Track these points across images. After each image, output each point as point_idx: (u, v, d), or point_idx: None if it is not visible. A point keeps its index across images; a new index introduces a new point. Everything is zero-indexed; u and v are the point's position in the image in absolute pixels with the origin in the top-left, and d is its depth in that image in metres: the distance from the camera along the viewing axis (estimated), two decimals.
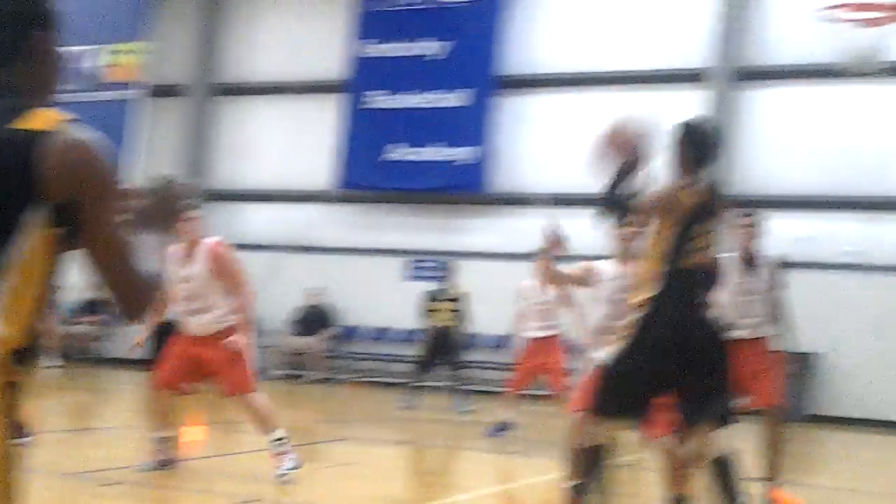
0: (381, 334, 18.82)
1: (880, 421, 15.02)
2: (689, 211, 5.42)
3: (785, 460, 7.72)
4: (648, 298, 5.39)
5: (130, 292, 2.49)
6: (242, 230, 20.21)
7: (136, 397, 15.96)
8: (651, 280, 5.43)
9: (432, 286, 14.48)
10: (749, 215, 7.96)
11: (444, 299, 14.22)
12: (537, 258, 6.80)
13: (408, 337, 18.59)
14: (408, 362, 18.26)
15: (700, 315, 5.48)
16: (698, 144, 5.68)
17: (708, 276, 5.60)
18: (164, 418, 8.08)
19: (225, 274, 7.93)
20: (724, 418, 5.60)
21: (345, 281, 18.95)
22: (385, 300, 18.66)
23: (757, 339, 7.66)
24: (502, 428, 11.59)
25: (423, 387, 14.65)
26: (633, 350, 5.45)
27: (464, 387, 14.31)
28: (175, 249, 7.93)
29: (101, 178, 2.40)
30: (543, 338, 11.33)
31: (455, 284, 14.65)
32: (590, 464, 5.58)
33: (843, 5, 11.10)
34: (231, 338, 7.84)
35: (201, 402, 10.56)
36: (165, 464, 8.01)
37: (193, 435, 10.94)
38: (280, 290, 19.23)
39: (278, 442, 7.76)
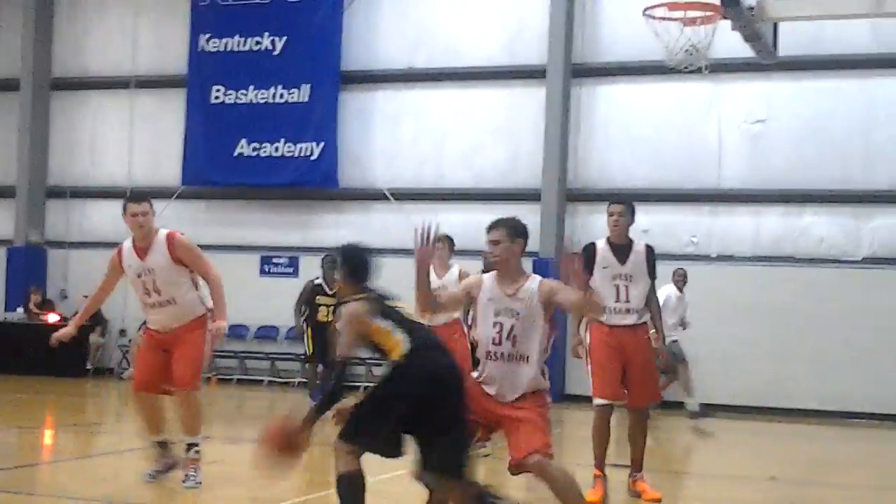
0: (237, 331, 19.01)
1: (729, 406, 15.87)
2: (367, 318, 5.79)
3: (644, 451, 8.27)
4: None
5: None
6: (86, 227, 20.19)
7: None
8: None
9: (315, 281, 13.90)
10: (616, 203, 8.42)
11: (327, 294, 13.75)
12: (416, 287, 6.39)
13: (265, 334, 18.88)
14: (263, 359, 18.63)
15: (450, 372, 5.72)
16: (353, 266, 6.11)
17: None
18: (154, 422, 7.98)
19: (192, 262, 7.86)
20: (459, 470, 5.63)
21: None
22: (239, 297, 18.78)
23: (633, 325, 8.18)
24: None
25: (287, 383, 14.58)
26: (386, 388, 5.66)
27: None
28: (127, 245, 7.98)
29: None
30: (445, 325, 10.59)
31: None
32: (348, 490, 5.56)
33: (667, 4, 11.78)
34: (214, 325, 7.78)
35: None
36: (170, 468, 7.93)
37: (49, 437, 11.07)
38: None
39: (196, 449, 7.81)
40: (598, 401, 8.17)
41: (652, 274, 8.30)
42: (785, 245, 16.44)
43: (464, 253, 17.01)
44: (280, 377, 18.58)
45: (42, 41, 20.35)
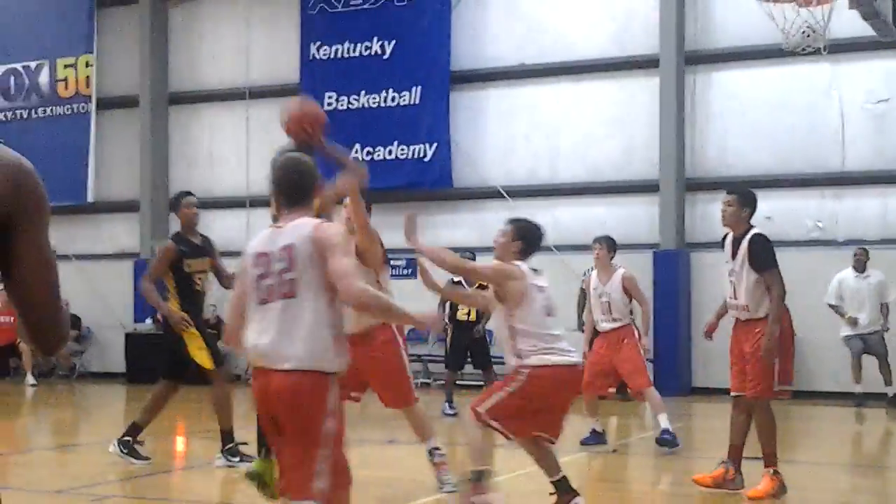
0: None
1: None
2: None
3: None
4: None
5: (53, 323, 2.40)
6: (210, 237, 20.49)
7: (115, 411, 16.34)
8: None
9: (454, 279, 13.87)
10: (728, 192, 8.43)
11: None
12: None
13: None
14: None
15: None
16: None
17: None
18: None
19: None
20: None
21: None
22: None
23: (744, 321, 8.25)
24: (596, 436, 10.69)
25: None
26: None
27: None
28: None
29: (37, 197, 2.35)
30: (612, 331, 10.70)
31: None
32: None
33: None
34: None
35: None
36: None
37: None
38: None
39: (439, 452, 8.08)
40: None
41: (757, 266, 8.03)
42: None
43: (582, 248, 16.99)
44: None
45: (158, 57, 20.79)
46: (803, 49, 11.80)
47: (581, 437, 10.66)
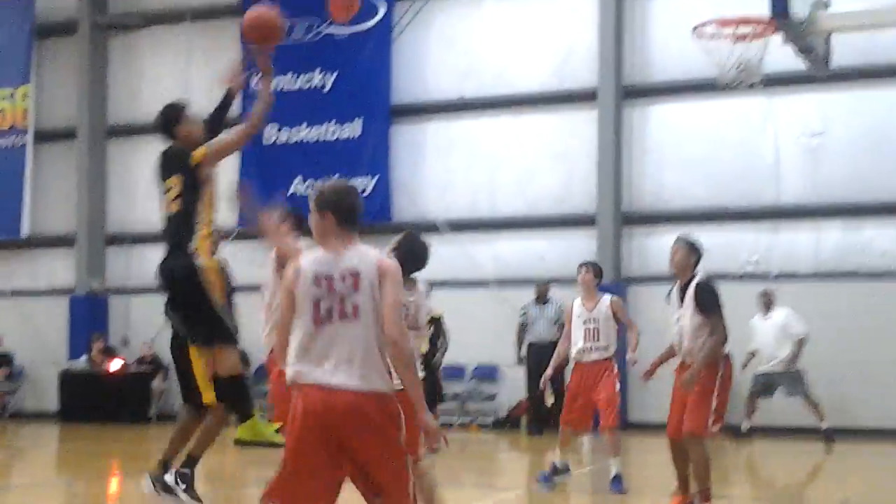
0: None
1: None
2: None
3: None
4: None
5: None
6: (146, 273, 20.26)
7: (48, 451, 16.07)
8: None
9: None
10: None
11: None
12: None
13: None
14: None
15: None
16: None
17: None
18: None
19: None
20: None
21: (258, 318, 19.07)
22: None
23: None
24: (555, 471, 10.48)
25: None
26: None
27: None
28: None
29: None
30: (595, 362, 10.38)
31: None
32: None
33: (717, 22, 11.68)
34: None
35: None
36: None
37: None
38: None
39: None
40: None
41: (702, 309, 8.27)
42: (847, 260, 16.13)
43: (521, 283, 17.03)
44: None
45: (97, 89, 20.61)
46: (738, 84, 11.95)
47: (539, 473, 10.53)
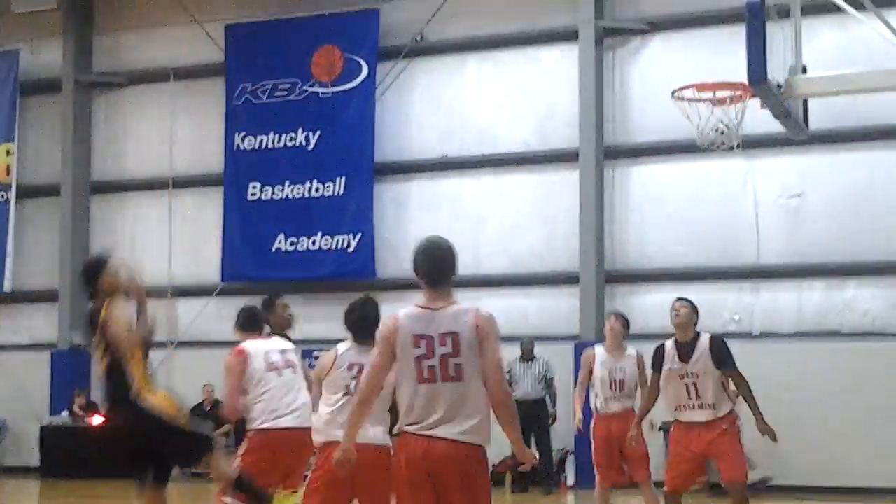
0: None
1: None
2: None
3: None
4: None
5: None
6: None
7: None
8: None
9: None
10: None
11: None
12: None
13: None
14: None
15: None
16: None
17: None
18: None
19: None
20: None
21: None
22: None
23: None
24: None
25: None
26: None
27: None
28: None
29: None
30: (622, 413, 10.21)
31: None
32: None
33: (695, 86, 11.85)
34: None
35: None
36: None
37: None
38: (175, 388, 19.35)
39: None
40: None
41: (723, 365, 8.78)
42: (829, 320, 16.23)
43: (505, 340, 17.06)
44: None
45: (81, 146, 20.68)
46: (718, 146, 12.10)
47: None
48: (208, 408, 18.95)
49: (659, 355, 8.97)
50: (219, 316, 19.65)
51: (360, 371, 6.76)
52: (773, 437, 8.67)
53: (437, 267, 5.73)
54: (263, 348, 8.45)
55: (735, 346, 8.88)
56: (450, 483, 5.45)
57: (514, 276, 17.83)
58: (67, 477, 17.82)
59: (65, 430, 18.95)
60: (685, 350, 8.79)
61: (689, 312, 8.93)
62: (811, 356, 15.99)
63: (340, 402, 6.95)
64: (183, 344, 19.70)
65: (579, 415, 10.49)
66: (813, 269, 16.30)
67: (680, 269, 16.78)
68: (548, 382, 16.27)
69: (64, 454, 18.48)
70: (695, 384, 8.68)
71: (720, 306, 16.57)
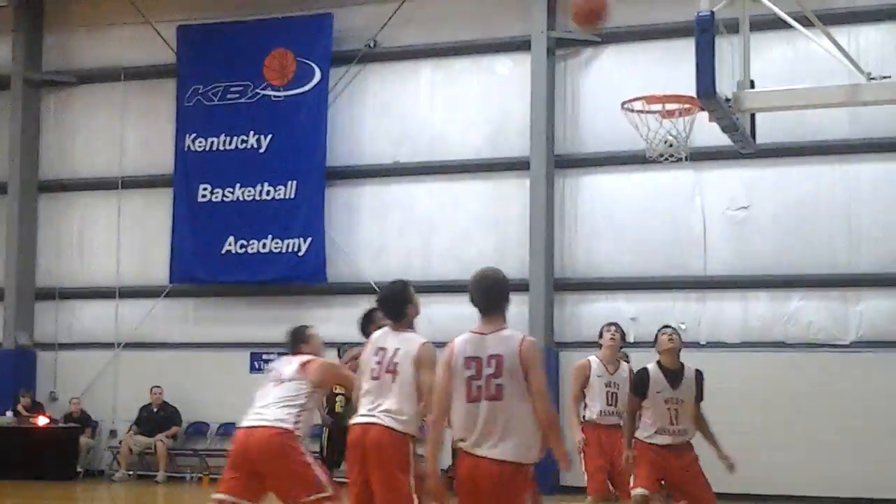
0: (228, 429, 18.91)
1: None
2: None
3: None
4: None
5: None
6: (75, 329, 20.19)
7: None
8: None
9: None
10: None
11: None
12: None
13: None
14: None
15: None
16: None
17: None
18: None
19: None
20: None
21: (188, 377, 19.06)
22: (231, 394, 18.78)
23: None
24: None
25: None
26: None
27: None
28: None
29: None
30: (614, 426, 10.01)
31: None
32: None
33: (645, 98, 12.01)
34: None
35: None
36: None
37: None
38: (122, 390, 19.37)
39: None
40: None
41: (701, 398, 9.33)
42: (774, 330, 16.46)
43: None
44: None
45: (29, 144, 20.49)
46: (666, 158, 12.25)
47: None
48: (155, 409, 18.88)
49: (643, 380, 9.17)
50: (167, 317, 19.61)
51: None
52: (732, 469, 8.95)
53: (487, 296, 6.31)
54: None
55: (682, 355, 9.09)
56: (492, 500, 5.92)
57: (465, 282, 17.74)
58: (11, 477, 17.65)
59: (9, 430, 18.77)
60: (674, 376, 9.15)
61: (679, 341, 9.32)
62: (756, 366, 16.21)
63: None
64: (130, 345, 19.59)
65: (580, 434, 10.13)
66: (758, 281, 16.52)
67: (628, 278, 16.95)
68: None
69: (8, 454, 18.31)
70: (677, 410, 9.05)
71: (667, 315, 16.71)
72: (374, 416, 7.08)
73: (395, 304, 7.44)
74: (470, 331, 6.23)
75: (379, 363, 7.18)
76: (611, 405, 10.13)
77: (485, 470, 5.92)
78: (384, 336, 7.34)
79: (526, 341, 6.11)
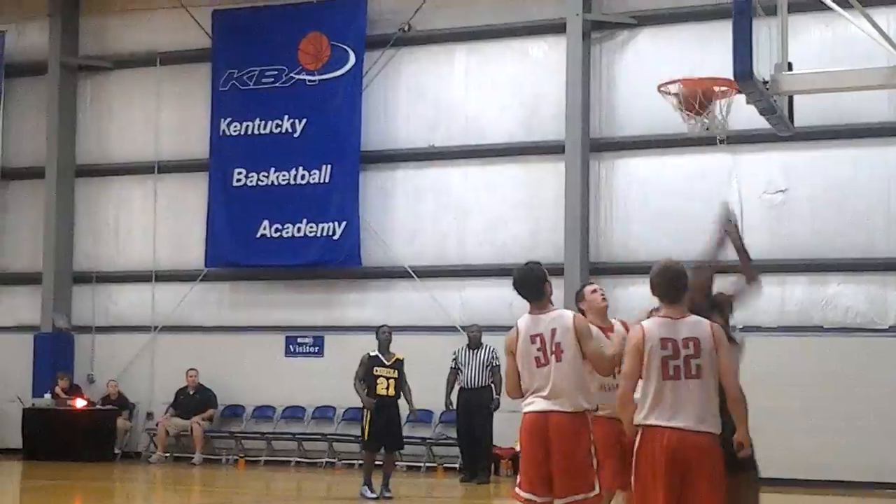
0: (264, 412, 19.04)
1: None
2: None
3: None
4: None
5: None
6: (112, 312, 20.35)
7: (12, 488, 15.97)
8: None
9: (371, 353, 13.66)
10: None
11: (386, 366, 13.59)
12: None
13: (291, 414, 18.88)
14: (290, 440, 18.57)
15: None
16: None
17: None
18: None
19: None
20: None
21: (224, 360, 19.16)
22: (265, 378, 18.93)
23: None
24: None
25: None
26: None
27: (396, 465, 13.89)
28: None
29: None
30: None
31: (391, 351, 13.82)
32: None
33: (682, 81, 11.92)
34: None
35: None
36: None
37: None
38: (159, 373, 19.51)
39: None
40: None
41: None
42: (811, 315, 16.34)
43: (489, 329, 17.11)
44: (307, 458, 18.50)
45: (66, 129, 20.62)
46: (707, 130, 12.15)
47: None
48: (192, 392, 19.00)
49: None
50: (202, 301, 19.72)
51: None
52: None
53: (671, 286, 6.69)
54: None
55: None
56: (698, 473, 6.43)
57: (499, 266, 17.83)
58: (50, 459, 17.83)
59: (48, 412, 18.96)
60: None
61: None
62: (793, 350, 16.10)
63: None
64: (166, 329, 19.71)
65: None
66: (796, 264, 16.39)
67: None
68: (493, 370, 16.10)
69: (47, 436, 18.50)
70: None
71: None
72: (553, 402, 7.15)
73: (533, 284, 7.48)
74: (658, 315, 6.68)
75: (541, 350, 7.22)
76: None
77: (692, 442, 6.44)
78: (533, 323, 7.34)
79: (714, 325, 6.70)
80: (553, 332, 7.18)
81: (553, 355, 7.14)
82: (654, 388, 6.51)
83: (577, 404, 7.14)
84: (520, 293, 7.47)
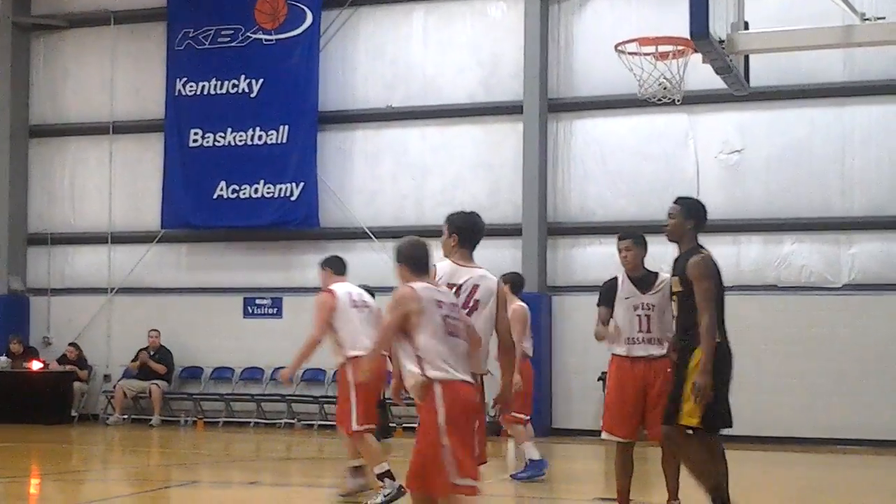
0: (222, 374, 19.03)
1: None
2: None
3: None
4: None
5: None
6: (67, 274, 20.20)
7: None
8: None
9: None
10: (623, 238, 9.11)
11: None
12: None
13: (250, 375, 18.86)
14: (249, 401, 18.58)
15: None
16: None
17: None
18: None
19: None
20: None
21: (182, 321, 19.09)
22: (224, 339, 18.89)
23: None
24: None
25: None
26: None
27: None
28: None
29: None
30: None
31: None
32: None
33: (639, 40, 11.95)
34: None
35: None
36: None
37: None
38: (116, 334, 19.42)
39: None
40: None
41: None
42: (766, 274, 16.51)
43: None
44: (266, 419, 18.51)
45: (19, 89, 20.36)
46: (659, 99, 12.20)
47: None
48: (152, 352, 18.92)
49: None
50: (160, 262, 19.62)
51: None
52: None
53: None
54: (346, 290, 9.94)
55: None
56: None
57: None
58: (5, 421, 17.73)
59: (3, 374, 18.82)
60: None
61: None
62: (748, 309, 16.22)
63: None
64: (123, 291, 19.61)
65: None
66: (751, 224, 16.54)
67: (621, 222, 16.88)
68: None
69: (2, 399, 18.38)
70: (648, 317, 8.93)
71: (659, 259, 16.68)
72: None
73: (476, 234, 7.17)
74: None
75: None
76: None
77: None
78: (455, 272, 6.97)
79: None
80: (475, 288, 6.85)
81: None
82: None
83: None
84: (468, 238, 7.14)
